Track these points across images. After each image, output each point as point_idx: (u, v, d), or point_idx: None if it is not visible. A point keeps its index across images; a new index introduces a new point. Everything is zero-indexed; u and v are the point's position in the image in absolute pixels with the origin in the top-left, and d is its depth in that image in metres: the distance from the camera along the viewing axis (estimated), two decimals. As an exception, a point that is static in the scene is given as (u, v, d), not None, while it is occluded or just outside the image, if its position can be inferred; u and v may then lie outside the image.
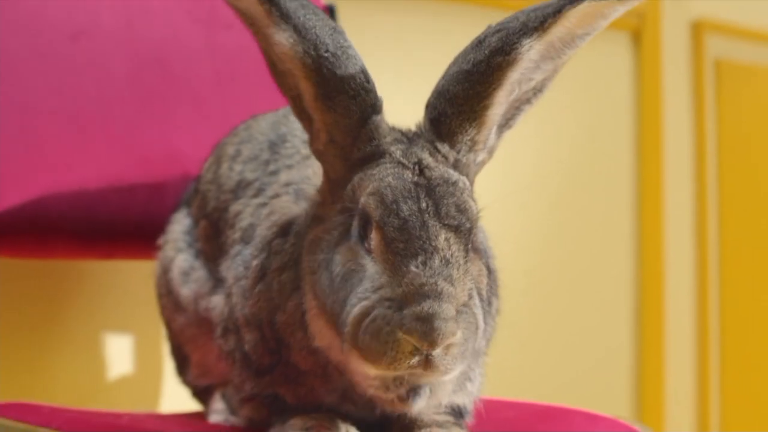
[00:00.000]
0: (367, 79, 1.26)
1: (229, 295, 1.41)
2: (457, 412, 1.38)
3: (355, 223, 1.22)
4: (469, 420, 1.40)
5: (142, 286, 2.06)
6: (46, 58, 1.81)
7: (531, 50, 1.27)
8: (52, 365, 2.06)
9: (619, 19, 2.75)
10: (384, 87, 2.23)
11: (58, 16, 1.84)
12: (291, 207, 1.39)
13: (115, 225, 1.85)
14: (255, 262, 1.35)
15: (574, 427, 1.53)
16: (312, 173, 1.40)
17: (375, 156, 1.26)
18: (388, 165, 1.24)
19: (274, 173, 1.48)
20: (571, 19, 1.28)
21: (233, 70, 1.94)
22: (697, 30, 3.02)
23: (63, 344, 2.08)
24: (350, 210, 1.24)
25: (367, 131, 1.26)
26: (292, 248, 1.31)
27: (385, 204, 1.20)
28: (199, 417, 1.62)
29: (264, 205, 1.43)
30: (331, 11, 2.12)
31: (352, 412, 1.34)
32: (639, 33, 2.89)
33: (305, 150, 1.46)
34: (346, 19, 2.16)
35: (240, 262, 1.40)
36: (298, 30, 1.24)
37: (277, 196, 1.43)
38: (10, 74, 1.78)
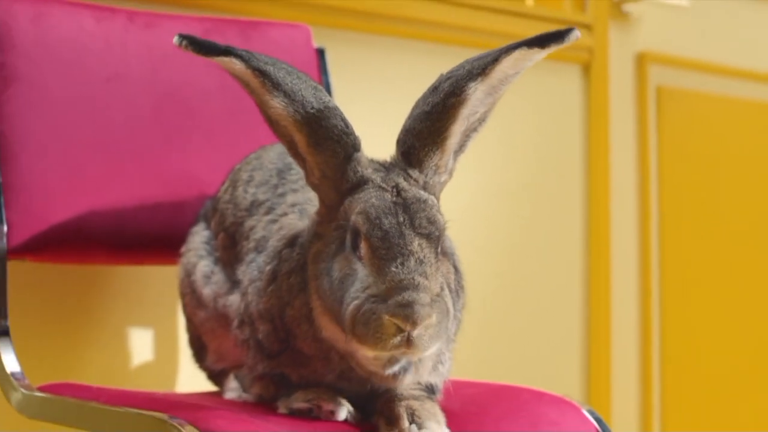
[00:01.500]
0: (347, 125, 1.40)
1: (244, 294, 1.54)
2: (430, 389, 1.50)
3: (348, 237, 1.36)
4: (439, 396, 1.52)
5: (161, 287, 2.19)
6: (85, 99, 1.93)
7: (477, 91, 1.40)
8: (85, 354, 2.12)
9: (571, 55, 2.88)
10: (368, 116, 2.30)
11: (94, 64, 1.96)
12: (297, 223, 1.53)
13: (143, 237, 1.96)
14: (268, 268, 1.49)
15: (522, 402, 1.64)
16: (313, 196, 1.51)
17: (360, 183, 1.39)
18: (371, 189, 1.38)
19: (282, 195, 1.62)
20: (505, 63, 1.41)
21: (240, 106, 2.02)
22: (641, 60, 3.05)
23: (95, 336, 2.15)
24: (343, 227, 1.37)
25: (352, 166, 1.40)
26: (297, 257, 1.45)
27: (370, 220, 1.33)
28: (216, 395, 1.74)
29: (274, 221, 1.57)
30: (321, 53, 2.21)
31: (346, 388, 1.46)
32: (589, 65, 2.92)
33: (303, 180, 1.58)
34: (334, 58, 2.27)
35: (254, 267, 1.53)
36: (288, 95, 1.38)
37: (285, 214, 1.58)
38: (57, 113, 1.90)
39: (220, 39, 1.98)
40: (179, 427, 1.36)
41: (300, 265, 1.44)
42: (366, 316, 1.29)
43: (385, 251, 1.32)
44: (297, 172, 1.63)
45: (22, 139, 1.84)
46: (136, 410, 1.49)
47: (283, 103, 1.38)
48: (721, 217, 3.21)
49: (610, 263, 2.94)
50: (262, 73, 1.37)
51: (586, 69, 2.91)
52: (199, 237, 1.75)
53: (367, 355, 1.36)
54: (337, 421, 1.45)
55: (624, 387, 2.99)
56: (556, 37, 1.40)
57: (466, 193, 2.64)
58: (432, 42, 2.63)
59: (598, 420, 1.64)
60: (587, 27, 2.89)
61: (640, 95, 3.04)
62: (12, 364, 1.76)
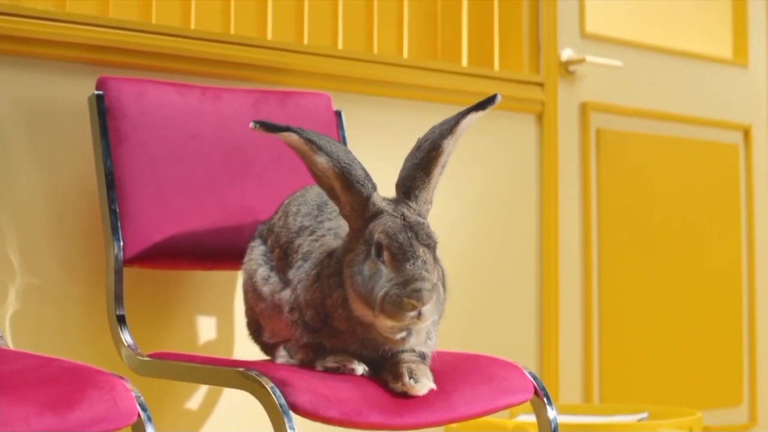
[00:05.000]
0: (366, 174, 1.63)
1: (294, 289, 1.73)
2: (423, 357, 1.70)
3: (373, 249, 1.57)
4: (429, 361, 1.71)
5: (223, 286, 2.31)
6: (173, 153, 2.07)
7: (448, 145, 1.63)
8: (170, 332, 2.23)
9: (528, 107, 2.94)
10: (375, 160, 2.28)
11: (179, 127, 2.09)
12: (332, 242, 1.73)
13: (213, 250, 2.10)
14: (313, 272, 1.69)
15: (482, 364, 1.83)
16: (343, 223, 1.70)
17: (378, 213, 1.62)
18: (386, 216, 1.60)
19: (321, 222, 1.79)
20: (463, 123, 1.64)
21: (282, 155, 2.17)
22: (584, 109, 3.06)
23: (177, 319, 2.25)
24: (368, 242, 1.59)
25: (372, 201, 1.63)
26: (335, 264, 1.66)
27: (390, 236, 1.57)
28: (269, 361, 1.88)
29: (316, 240, 1.76)
30: (339, 114, 2.33)
31: (364, 354, 1.68)
32: (541, 114, 2.93)
33: (335, 212, 1.77)
34: (348, 116, 2.39)
35: (302, 271, 1.73)
36: (328, 154, 1.62)
37: (324, 236, 1.76)
38: (154, 163, 2.05)
39: (264, 107, 2.20)
40: (256, 376, 1.59)
41: (337, 270, 1.64)
42: (392, 298, 1.53)
43: (402, 256, 1.55)
44: (331, 207, 1.80)
45: (131, 182, 2.00)
46: (222, 367, 1.72)
47: (325, 161, 1.61)
48: (649, 231, 3.21)
49: (558, 270, 2.97)
50: (311, 141, 1.60)
51: (539, 117, 2.94)
52: (257, 251, 1.91)
53: (387, 325, 1.58)
54: (356, 375, 1.66)
55: (569, 357, 3.02)
56: (489, 101, 1.67)
57: (448, 214, 2.71)
58: (422, 101, 2.70)
59: (534, 376, 1.85)
60: (540, 84, 2.93)
61: (583, 136, 3.07)
62: (128, 339, 1.96)
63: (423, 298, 1.52)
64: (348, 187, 1.62)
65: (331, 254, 1.70)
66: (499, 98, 1.68)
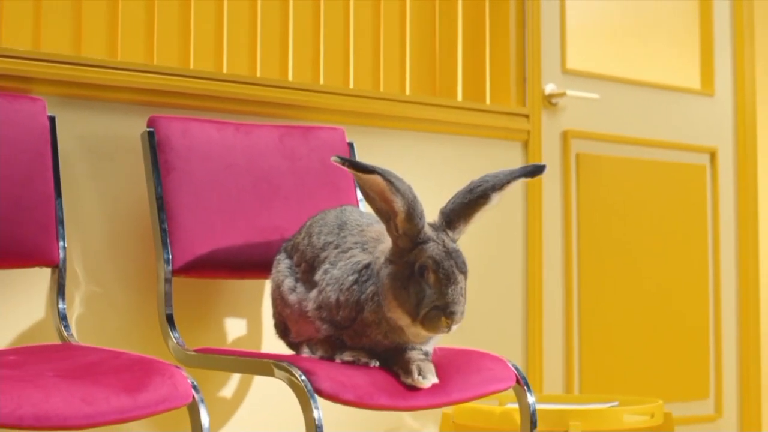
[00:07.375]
0: (422, 209, 1.71)
1: (321, 290, 1.82)
2: (426, 354, 1.83)
3: (417, 268, 1.69)
4: (431, 357, 1.83)
5: (253, 292, 2.41)
6: (213, 180, 2.19)
7: (495, 198, 1.74)
8: (206, 333, 2.31)
9: (514, 134, 3.00)
10: None
11: (217, 158, 2.21)
12: (363, 255, 1.81)
13: (246, 263, 2.21)
14: (350, 278, 1.79)
15: (472, 358, 1.94)
16: (365, 240, 1.79)
17: (426, 240, 1.72)
18: (432, 244, 1.71)
19: (344, 237, 1.88)
20: (513, 183, 1.74)
21: (303, 182, 2.30)
22: (565, 136, 3.13)
23: (212, 320, 2.33)
24: (412, 262, 1.70)
25: (423, 231, 1.72)
26: (371, 273, 1.76)
27: (437, 262, 1.68)
28: (294, 355, 1.96)
29: (344, 252, 1.84)
30: (351, 146, 2.42)
31: (379, 351, 1.79)
32: (527, 142, 3.00)
33: (356, 229, 1.86)
34: (359, 147, 2.49)
35: (330, 275, 1.82)
36: (402, 195, 1.69)
37: (350, 248, 1.84)
38: (197, 189, 2.16)
39: (289, 140, 2.34)
40: (287, 366, 1.73)
41: (373, 279, 1.76)
42: (432, 315, 1.68)
43: (446, 281, 1.67)
44: (351, 226, 1.89)
45: (178, 205, 2.13)
46: (257, 359, 1.85)
47: (400, 202, 1.70)
48: (624, 243, 3.28)
49: (542, 277, 3.04)
50: (391, 183, 1.69)
51: (526, 144, 3.01)
52: (283, 264, 2.00)
53: (421, 333, 1.72)
54: (369, 367, 1.80)
55: (552, 353, 3.08)
56: (538, 171, 1.77)
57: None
58: (423, 132, 2.78)
59: (516, 368, 1.97)
60: (526, 116, 3.01)
61: (565, 160, 3.14)
62: (176, 336, 2.09)
63: (456, 319, 1.68)
64: (410, 219, 1.72)
65: (367, 266, 1.81)
66: (546, 169, 1.79)
